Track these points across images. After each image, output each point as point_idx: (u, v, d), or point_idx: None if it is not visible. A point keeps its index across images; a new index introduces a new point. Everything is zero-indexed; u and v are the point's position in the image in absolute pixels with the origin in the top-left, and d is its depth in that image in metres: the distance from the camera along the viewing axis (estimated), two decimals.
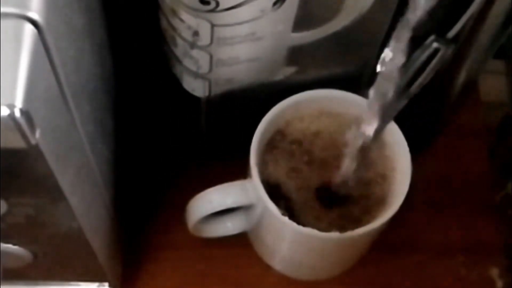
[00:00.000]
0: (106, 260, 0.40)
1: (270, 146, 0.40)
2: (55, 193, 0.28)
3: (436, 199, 0.50)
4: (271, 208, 0.37)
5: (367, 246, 0.43)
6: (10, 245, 0.34)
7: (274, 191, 0.39)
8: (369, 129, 0.39)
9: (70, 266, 0.40)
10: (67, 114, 0.29)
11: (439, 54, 0.33)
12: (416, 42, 0.40)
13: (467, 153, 0.51)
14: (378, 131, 0.40)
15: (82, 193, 0.32)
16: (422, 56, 0.33)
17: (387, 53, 0.33)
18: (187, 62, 0.38)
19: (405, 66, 0.34)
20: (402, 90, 0.35)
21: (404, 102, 0.36)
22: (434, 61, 0.33)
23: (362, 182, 0.40)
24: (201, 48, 0.36)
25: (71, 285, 0.42)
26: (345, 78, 0.42)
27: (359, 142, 0.40)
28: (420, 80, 0.35)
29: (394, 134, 0.40)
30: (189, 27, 0.34)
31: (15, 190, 0.28)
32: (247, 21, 0.34)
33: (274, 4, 0.33)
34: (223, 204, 0.41)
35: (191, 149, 0.48)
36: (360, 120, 0.40)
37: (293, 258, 0.44)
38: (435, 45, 0.32)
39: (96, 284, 0.43)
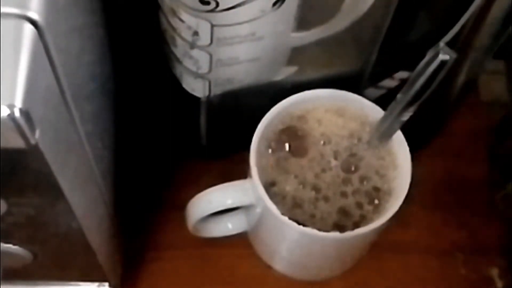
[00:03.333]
0: (106, 260, 0.40)
1: (270, 145, 0.40)
2: (55, 193, 0.28)
3: (436, 199, 0.50)
4: (271, 208, 0.37)
5: (367, 246, 0.43)
6: (10, 245, 0.34)
7: (274, 190, 0.40)
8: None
9: (70, 266, 0.40)
10: (67, 114, 0.29)
11: (446, 66, 0.32)
12: (415, 45, 0.40)
13: (467, 153, 0.51)
14: (383, 144, 0.40)
15: (82, 193, 0.32)
16: (428, 69, 0.33)
17: None
18: (187, 62, 0.38)
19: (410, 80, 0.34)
20: (407, 104, 0.35)
21: (408, 115, 0.36)
22: (441, 74, 0.33)
23: (362, 182, 0.40)
24: (201, 48, 0.36)
25: (71, 285, 0.42)
26: (345, 78, 0.42)
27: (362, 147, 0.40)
28: (426, 94, 0.35)
29: (395, 134, 0.40)
30: (189, 27, 0.34)
31: (15, 190, 0.28)
32: (247, 21, 0.34)
33: (274, 4, 0.33)
34: (223, 204, 0.41)
35: (191, 149, 0.48)
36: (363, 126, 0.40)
37: (293, 258, 0.44)
38: (442, 57, 0.32)
39: (96, 284, 0.43)
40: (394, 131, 0.39)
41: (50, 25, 0.24)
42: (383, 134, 0.39)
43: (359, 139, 0.41)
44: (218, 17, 0.33)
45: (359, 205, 0.39)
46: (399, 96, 0.36)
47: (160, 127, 0.49)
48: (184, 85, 0.40)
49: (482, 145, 0.52)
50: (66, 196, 0.29)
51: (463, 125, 0.52)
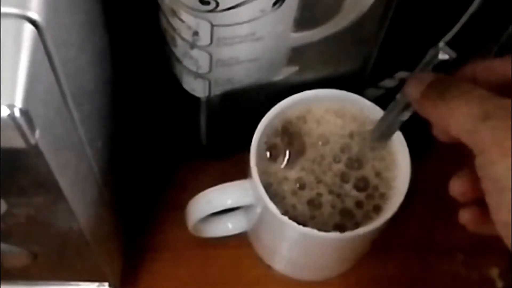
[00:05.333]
0: (106, 260, 0.40)
1: (270, 145, 0.40)
2: (55, 193, 0.28)
3: (435, 199, 0.50)
4: (271, 208, 0.37)
5: (367, 246, 0.43)
6: (10, 245, 0.34)
7: (274, 190, 0.40)
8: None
9: (70, 266, 0.40)
10: (67, 114, 0.29)
11: (446, 66, 0.32)
12: (415, 45, 0.40)
13: (467, 153, 0.51)
14: (382, 144, 0.40)
15: (82, 193, 0.32)
16: (428, 69, 0.33)
17: None
18: (187, 62, 0.38)
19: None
20: (407, 104, 0.35)
21: (407, 115, 0.36)
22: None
23: (362, 182, 0.40)
24: (201, 48, 0.36)
25: (71, 285, 0.42)
26: (345, 78, 0.42)
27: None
28: None
29: (394, 134, 0.40)
30: (189, 27, 0.34)
31: (15, 190, 0.28)
32: (247, 21, 0.34)
33: (274, 4, 0.33)
34: (223, 204, 0.41)
35: (191, 149, 0.48)
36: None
37: (293, 258, 0.44)
38: (442, 56, 0.32)
39: (96, 284, 0.43)
40: (394, 131, 0.39)
41: (50, 25, 0.24)
42: (383, 134, 0.39)
43: (359, 140, 0.41)
44: (218, 17, 0.33)
45: (359, 205, 0.39)
46: (398, 96, 0.36)
47: (160, 127, 0.49)
48: (184, 85, 0.40)
49: None
50: (66, 196, 0.29)
51: None
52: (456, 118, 0.29)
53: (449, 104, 0.30)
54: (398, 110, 0.36)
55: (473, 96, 0.29)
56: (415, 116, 0.36)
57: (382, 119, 0.39)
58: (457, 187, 0.34)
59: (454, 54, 0.32)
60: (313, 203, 0.39)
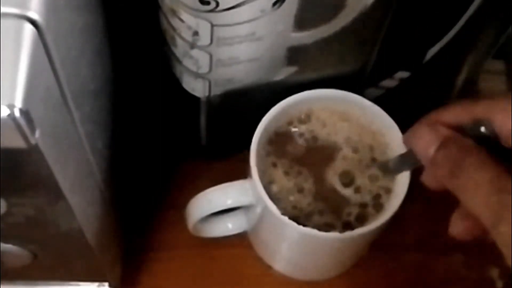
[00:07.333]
0: (106, 260, 0.40)
1: (270, 145, 0.40)
2: (55, 193, 0.28)
3: (436, 199, 0.50)
4: (271, 208, 0.37)
5: (367, 246, 0.43)
6: (10, 245, 0.34)
7: (274, 190, 0.40)
8: None
9: (70, 266, 0.40)
10: (67, 114, 0.29)
11: None
12: (415, 45, 0.40)
13: None
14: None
15: (82, 193, 0.32)
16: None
17: None
18: (187, 62, 0.38)
19: None
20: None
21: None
22: None
23: (362, 182, 0.40)
24: (201, 48, 0.36)
25: (71, 285, 0.42)
26: (345, 78, 0.42)
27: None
28: None
29: (394, 134, 0.40)
30: (189, 27, 0.34)
31: (15, 190, 0.28)
32: (247, 21, 0.34)
33: (274, 4, 0.33)
34: (223, 204, 0.41)
35: (191, 149, 0.49)
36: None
37: (293, 258, 0.44)
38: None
39: (96, 284, 0.43)
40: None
41: (50, 25, 0.24)
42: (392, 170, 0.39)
43: (360, 143, 0.41)
44: (218, 17, 0.33)
45: (359, 205, 0.39)
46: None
47: (160, 127, 0.49)
48: (184, 85, 0.40)
49: None
50: (66, 196, 0.29)
51: None
52: (473, 206, 0.31)
53: (465, 185, 0.32)
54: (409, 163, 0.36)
55: (490, 186, 0.29)
56: (414, 112, 0.36)
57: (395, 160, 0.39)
58: (458, 228, 0.35)
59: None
60: (314, 203, 0.39)
